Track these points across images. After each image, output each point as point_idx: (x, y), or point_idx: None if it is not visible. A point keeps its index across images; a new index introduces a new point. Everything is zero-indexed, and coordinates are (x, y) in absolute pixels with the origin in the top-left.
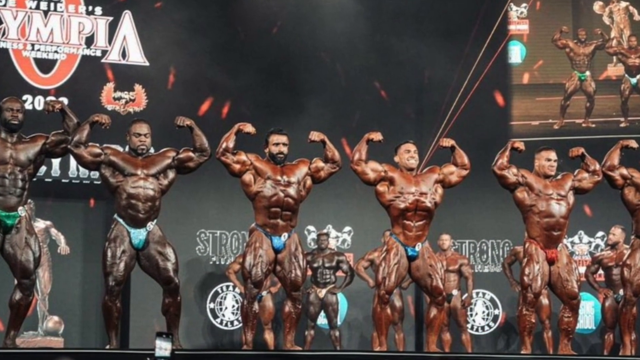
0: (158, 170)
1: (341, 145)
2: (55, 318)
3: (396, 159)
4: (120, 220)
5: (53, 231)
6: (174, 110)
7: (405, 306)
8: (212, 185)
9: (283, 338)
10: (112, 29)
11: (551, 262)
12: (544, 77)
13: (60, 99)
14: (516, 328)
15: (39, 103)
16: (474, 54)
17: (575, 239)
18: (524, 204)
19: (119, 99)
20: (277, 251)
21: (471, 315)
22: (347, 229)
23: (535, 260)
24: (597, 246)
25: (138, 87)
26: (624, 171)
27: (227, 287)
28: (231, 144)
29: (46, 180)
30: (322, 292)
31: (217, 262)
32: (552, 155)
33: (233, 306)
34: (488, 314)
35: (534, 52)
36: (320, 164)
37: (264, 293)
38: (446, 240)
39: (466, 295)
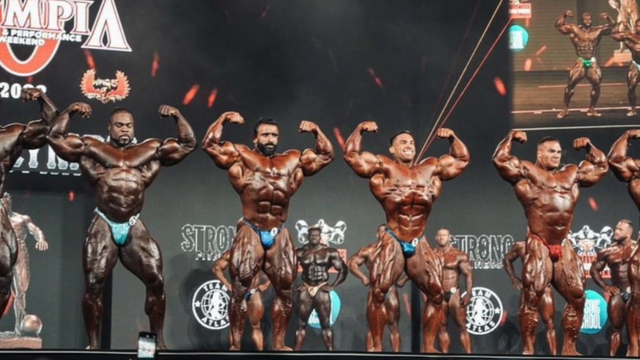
0: (141, 161)
1: (334, 136)
2: (33, 317)
3: (392, 149)
4: (102, 215)
5: (31, 226)
6: (157, 99)
7: (401, 305)
8: (198, 178)
9: (272, 338)
10: (93, 13)
11: (555, 258)
12: (547, 63)
13: (38, 86)
14: (518, 328)
15: (16, 91)
16: (473, 39)
17: (580, 234)
18: (526, 197)
19: (100, 86)
20: (266, 247)
21: (470, 314)
22: (340, 223)
23: (538, 256)
24: (603, 242)
25: (120, 75)
26: (631, 163)
27: (214, 284)
28: (218, 134)
29: (23, 172)
30: (314, 290)
31: (204, 259)
32: (556, 146)
33: (220, 305)
34: (488, 313)
35: (537, 37)
36: (312, 155)
37: (252, 291)
38: (444, 235)
39: (465, 293)
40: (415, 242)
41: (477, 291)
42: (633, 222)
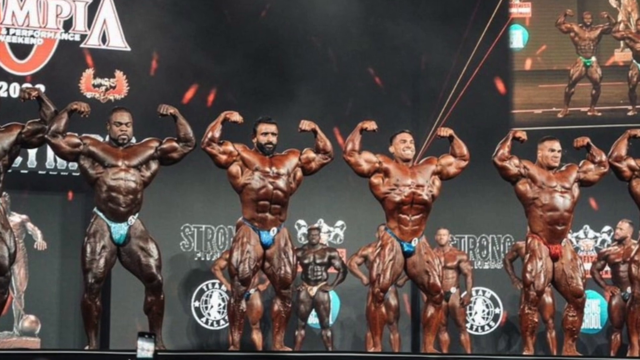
0: (140, 161)
1: (333, 135)
2: (32, 317)
3: (391, 149)
4: (100, 214)
5: (29, 225)
6: (156, 98)
7: (401, 305)
8: (197, 177)
9: (272, 338)
10: (92, 12)
11: (555, 258)
12: (547, 62)
13: (37, 86)
14: (518, 328)
15: (15, 90)
16: (473, 38)
17: (581, 233)
18: (526, 196)
19: (99, 86)
20: (265, 247)
21: (470, 314)
22: (339, 223)
23: (538, 256)
24: (603, 241)
25: (119, 74)
26: (632, 162)
27: (213, 284)
28: (217, 134)
29: (22, 171)
30: (313, 290)
31: (203, 258)
32: (556, 145)
33: (219, 305)
34: (488, 313)
35: (537, 36)
36: (311, 154)
37: (251, 291)
38: (444, 235)
39: (465, 293)
40: (415, 242)
41: (477, 291)
42: (633, 222)
